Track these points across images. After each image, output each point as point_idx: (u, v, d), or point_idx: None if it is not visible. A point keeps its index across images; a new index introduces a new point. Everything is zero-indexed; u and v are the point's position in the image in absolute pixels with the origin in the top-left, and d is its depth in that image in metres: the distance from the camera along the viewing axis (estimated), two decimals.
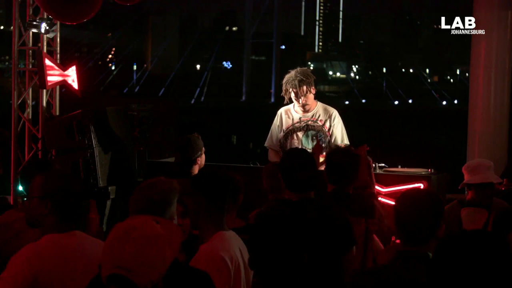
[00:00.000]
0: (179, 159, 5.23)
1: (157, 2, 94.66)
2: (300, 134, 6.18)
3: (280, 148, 6.20)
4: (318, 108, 6.19)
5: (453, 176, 6.01)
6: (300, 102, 6.10)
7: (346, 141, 6.09)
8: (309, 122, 6.17)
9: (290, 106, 6.23)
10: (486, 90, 7.20)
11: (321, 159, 6.02)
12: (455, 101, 70.61)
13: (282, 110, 6.28)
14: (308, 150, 6.09)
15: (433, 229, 2.88)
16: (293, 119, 6.21)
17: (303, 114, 6.18)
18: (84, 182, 5.91)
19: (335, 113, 6.17)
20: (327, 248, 3.71)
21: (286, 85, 6.12)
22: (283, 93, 6.17)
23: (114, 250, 2.15)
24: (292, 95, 6.09)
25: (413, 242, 2.85)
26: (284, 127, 6.23)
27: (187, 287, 2.52)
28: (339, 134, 6.11)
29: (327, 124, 6.13)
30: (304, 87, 6.05)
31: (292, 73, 6.11)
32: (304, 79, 6.05)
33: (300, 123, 6.19)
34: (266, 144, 6.30)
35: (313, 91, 6.15)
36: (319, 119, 6.14)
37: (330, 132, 6.13)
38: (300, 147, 6.11)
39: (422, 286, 2.62)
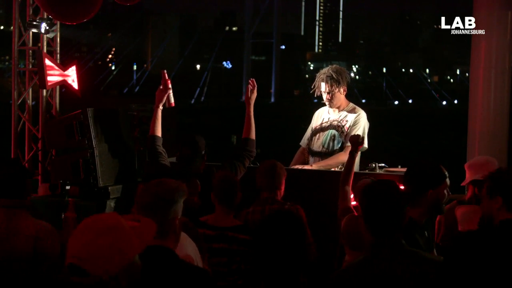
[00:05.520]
0: (187, 152, 5.20)
1: (157, 2, 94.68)
2: (323, 133, 6.17)
3: (307, 146, 6.26)
4: (348, 109, 6.15)
5: (453, 176, 6.00)
6: (325, 97, 6.10)
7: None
8: (334, 122, 6.14)
9: (326, 106, 6.24)
10: (486, 90, 7.19)
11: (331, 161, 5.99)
12: (455, 101, 70.57)
13: (318, 110, 6.33)
14: (326, 150, 6.09)
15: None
16: (323, 119, 6.22)
17: (333, 114, 6.18)
18: (84, 182, 5.92)
19: (359, 114, 6.08)
20: None
21: (317, 77, 6.15)
22: (312, 86, 6.19)
23: (72, 241, 2.24)
24: (322, 88, 6.09)
25: (385, 233, 2.91)
26: (313, 126, 6.26)
27: (188, 285, 2.53)
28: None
29: (348, 125, 6.06)
30: (332, 84, 6.04)
31: (327, 68, 6.14)
32: (335, 76, 6.03)
33: (327, 123, 6.18)
34: (300, 143, 6.38)
35: (343, 91, 6.11)
36: (345, 119, 6.10)
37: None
38: (320, 145, 6.11)
39: (398, 276, 2.70)
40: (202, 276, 2.70)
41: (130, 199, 3.31)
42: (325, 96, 6.10)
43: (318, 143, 6.15)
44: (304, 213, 4.77)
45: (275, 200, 4.85)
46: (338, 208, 4.86)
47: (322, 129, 6.19)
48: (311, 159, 6.19)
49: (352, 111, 6.12)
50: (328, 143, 6.08)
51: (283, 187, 4.96)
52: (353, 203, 5.22)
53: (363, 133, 5.96)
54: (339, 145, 6.04)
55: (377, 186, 3.08)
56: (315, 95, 6.18)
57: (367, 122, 6.07)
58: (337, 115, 6.15)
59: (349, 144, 5.86)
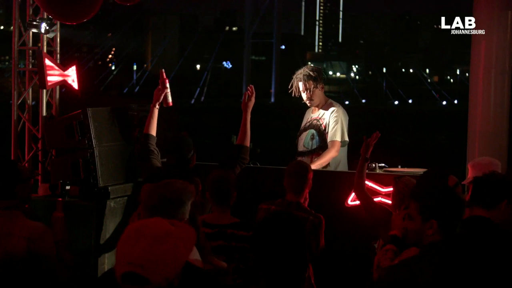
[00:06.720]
0: (172, 161, 5.21)
1: (157, 2, 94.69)
2: (305, 133, 6.28)
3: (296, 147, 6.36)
4: (325, 107, 6.25)
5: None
6: (305, 96, 6.20)
7: (338, 138, 6.05)
8: (314, 122, 6.24)
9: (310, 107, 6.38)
10: (486, 90, 7.19)
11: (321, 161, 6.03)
12: (455, 101, 70.50)
13: (306, 112, 6.44)
14: (306, 149, 6.18)
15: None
16: (307, 119, 6.35)
17: (314, 113, 6.29)
18: (84, 182, 5.91)
19: (334, 109, 6.17)
20: None
21: (294, 78, 6.24)
22: (289, 86, 6.28)
23: (126, 248, 2.17)
24: (301, 87, 6.19)
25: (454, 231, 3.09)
26: (301, 127, 6.37)
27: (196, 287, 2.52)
28: (334, 131, 6.10)
29: (325, 123, 6.16)
30: (310, 82, 6.16)
31: (302, 68, 6.25)
32: (312, 74, 6.15)
33: (309, 123, 6.28)
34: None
35: (321, 88, 6.22)
36: (323, 117, 6.20)
37: (326, 129, 6.16)
38: (302, 145, 6.21)
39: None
40: (208, 279, 2.68)
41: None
42: (304, 95, 6.22)
43: (301, 143, 6.29)
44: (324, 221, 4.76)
45: (301, 207, 4.76)
46: (372, 209, 4.81)
47: (304, 129, 6.33)
48: (298, 159, 6.23)
49: (328, 107, 6.21)
50: (308, 143, 6.22)
51: (307, 189, 4.87)
52: (356, 202, 5.22)
53: (342, 127, 6.06)
54: (318, 144, 6.12)
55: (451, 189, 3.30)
56: (293, 95, 6.28)
57: (345, 115, 6.17)
58: (316, 113, 6.27)
59: (329, 139, 5.97)
